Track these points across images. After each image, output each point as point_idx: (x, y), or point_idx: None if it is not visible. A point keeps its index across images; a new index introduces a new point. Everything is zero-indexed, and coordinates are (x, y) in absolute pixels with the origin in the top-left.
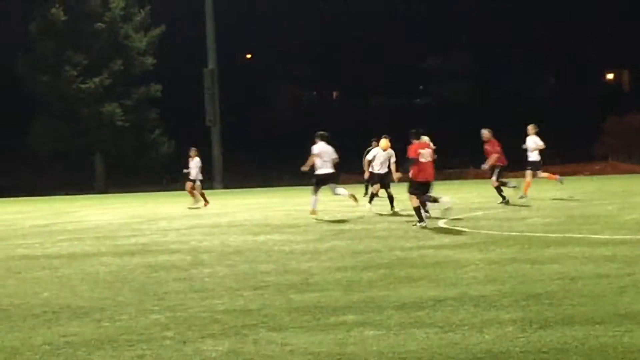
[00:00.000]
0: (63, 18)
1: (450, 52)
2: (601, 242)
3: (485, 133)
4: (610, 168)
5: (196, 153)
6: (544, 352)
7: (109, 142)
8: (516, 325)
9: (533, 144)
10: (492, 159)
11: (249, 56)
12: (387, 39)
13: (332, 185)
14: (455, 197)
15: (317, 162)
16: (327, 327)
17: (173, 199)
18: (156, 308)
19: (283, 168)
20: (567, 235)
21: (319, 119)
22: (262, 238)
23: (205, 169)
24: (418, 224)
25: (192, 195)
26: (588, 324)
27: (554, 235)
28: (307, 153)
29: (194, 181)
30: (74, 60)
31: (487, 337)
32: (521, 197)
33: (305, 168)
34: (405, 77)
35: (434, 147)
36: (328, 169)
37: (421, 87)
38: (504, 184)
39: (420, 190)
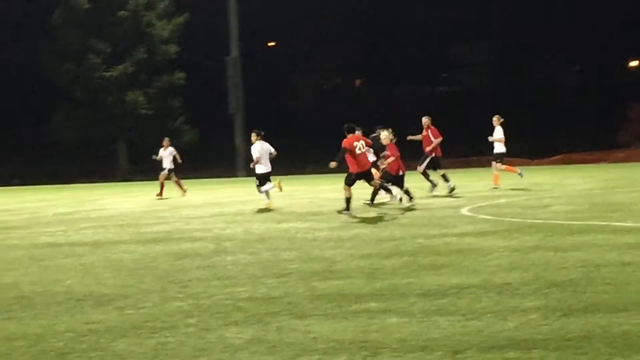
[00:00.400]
0: (86, 6)
1: (474, 40)
2: (625, 229)
3: (425, 120)
4: (633, 155)
5: (169, 143)
6: (567, 340)
7: (132, 131)
8: (539, 312)
9: (499, 135)
10: (436, 142)
11: (272, 44)
12: (411, 26)
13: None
14: (478, 184)
15: (259, 158)
16: (350, 314)
17: (196, 187)
18: (179, 296)
19: (306, 156)
20: (590, 223)
21: (342, 107)
22: (285, 226)
23: (228, 157)
24: (344, 212)
25: (179, 185)
26: (611, 311)
27: (577, 223)
28: (331, 141)
29: (170, 170)
30: (97, 48)
31: (510, 324)
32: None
33: (253, 166)
34: (429, 65)
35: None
36: (268, 168)
37: (445, 74)
38: (427, 176)
39: (357, 180)
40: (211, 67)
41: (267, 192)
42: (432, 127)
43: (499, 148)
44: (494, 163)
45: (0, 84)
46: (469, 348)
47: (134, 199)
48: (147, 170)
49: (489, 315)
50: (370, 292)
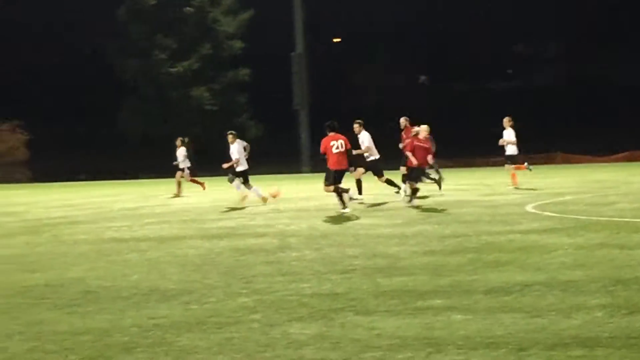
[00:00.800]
0: (152, 2)
1: (539, 37)
2: None
3: (402, 120)
4: None
5: (181, 143)
6: (632, 338)
7: (197, 126)
8: (604, 310)
9: (510, 137)
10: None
11: (337, 40)
12: (477, 23)
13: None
14: (543, 181)
15: (239, 159)
16: (415, 311)
17: (260, 182)
18: (244, 291)
19: None
20: None
21: (406, 104)
22: (349, 222)
23: (293, 153)
24: (352, 200)
25: (178, 185)
26: None
27: None
28: (394, 138)
29: (182, 170)
30: (163, 44)
31: (575, 322)
32: (515, 187)
33: (226, 166)
34: (493, 62)
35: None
36: (246, 165)
37: (509, 71)
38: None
39: (336, 178)
40: (276, 63)
41: (255, 189)
42: (408, 128)
43: (511, 150)
44: (506, 165)
45: (68, 81)
46: (534, 345)
47: (197, 194)
48: (212, 166)
49: (553, 312)
50: (434, 289)
